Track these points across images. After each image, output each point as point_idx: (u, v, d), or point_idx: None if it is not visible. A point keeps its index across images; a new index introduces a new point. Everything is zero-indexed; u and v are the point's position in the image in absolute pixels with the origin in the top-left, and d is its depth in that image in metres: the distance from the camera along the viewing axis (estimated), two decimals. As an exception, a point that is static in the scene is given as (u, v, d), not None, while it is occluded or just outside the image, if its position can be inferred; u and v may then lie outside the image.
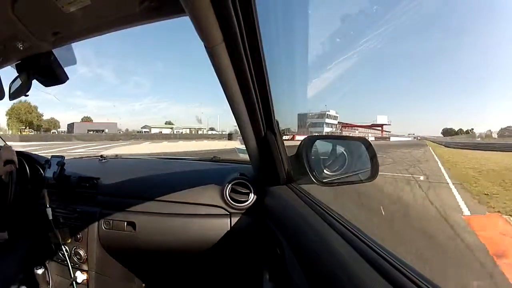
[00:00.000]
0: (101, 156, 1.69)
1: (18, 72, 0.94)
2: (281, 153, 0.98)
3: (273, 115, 0.90)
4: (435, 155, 14.24)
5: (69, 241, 1.29)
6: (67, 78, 0.96)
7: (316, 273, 0.58)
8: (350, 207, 3.22)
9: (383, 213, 3.63)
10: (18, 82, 0.94)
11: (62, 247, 1.28)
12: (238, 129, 0.92)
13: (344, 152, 1.10)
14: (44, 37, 0.79)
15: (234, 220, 1.16)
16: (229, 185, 1.18)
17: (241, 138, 0.98)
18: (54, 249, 1.32)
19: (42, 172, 1.38)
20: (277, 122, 0.93)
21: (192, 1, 0.48)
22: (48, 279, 1.31)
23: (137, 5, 0.64)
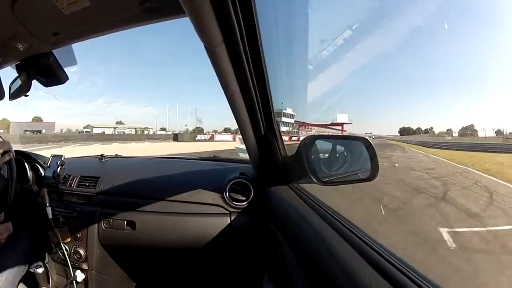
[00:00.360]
0: (101, 155, 1.70)
1: (18, 72, 0.94)
2: (281, 153, 0.99)
3: (273, 115, 0.90)
4: (456, 163, 10.41)
5: (69, 240, 1.30)
6: (67, 78, 0.96)
7: (316, 273, 0.59)
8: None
9: None
10: (18, 82, 0.94)
11: (62, 246, 1.28)
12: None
13: (344, 152, 1.10)
14: (44, 38, 0.79)
15: (234, 219, 1.16)
16: (229, 185, 1.19)
17: (241, 137, 0.98)
18: (54, 248, 1.33)
19: (42, 171, 1.38)
20: (277, 122, 0.93)
21: (192, 1, 0.48)
22: (48, 278, 1.31)
23: (136, 6, 0.64)
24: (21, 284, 1.16)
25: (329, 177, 1.04)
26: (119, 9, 0.67)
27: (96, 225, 1.25)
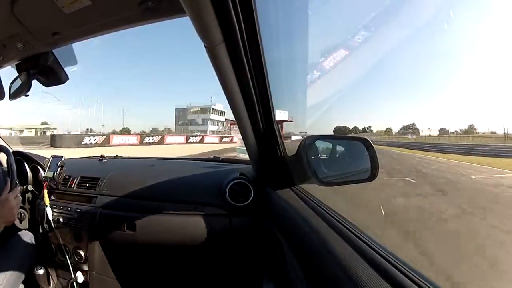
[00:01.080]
0: (101, 156, 1.69)
1: (18, 72, 0.94)
2: (281, 153, 0.98)
3: (273, 115, 0.90)
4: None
5: (69, 241, 1.29)
6: (67, 78, 0.96)
7: (316, 273, 0.58)
8: None
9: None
10: (18, 82, 0.94)
11: (62, 247, 1.27)
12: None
13: (344, 152, 1.10)
14: (44, 38, 0.79)
15: (234, 220, 1.16)
16: (229, 185, 1.18)
17: (241, 138, 0.98)
18: (54, 249, 1.32)
19: (42, 172, 1.38)
20: (277, 122, 0.93)
21: (192, 1, 0.48)
22: (48, 280, 1.31)
23: (137, 5, 0.64)
24: (21, 285, 1.16)
25: (330, 177, 1.03)
26: (120, 9, 0.67)
27: (97, 226, 1.25)
